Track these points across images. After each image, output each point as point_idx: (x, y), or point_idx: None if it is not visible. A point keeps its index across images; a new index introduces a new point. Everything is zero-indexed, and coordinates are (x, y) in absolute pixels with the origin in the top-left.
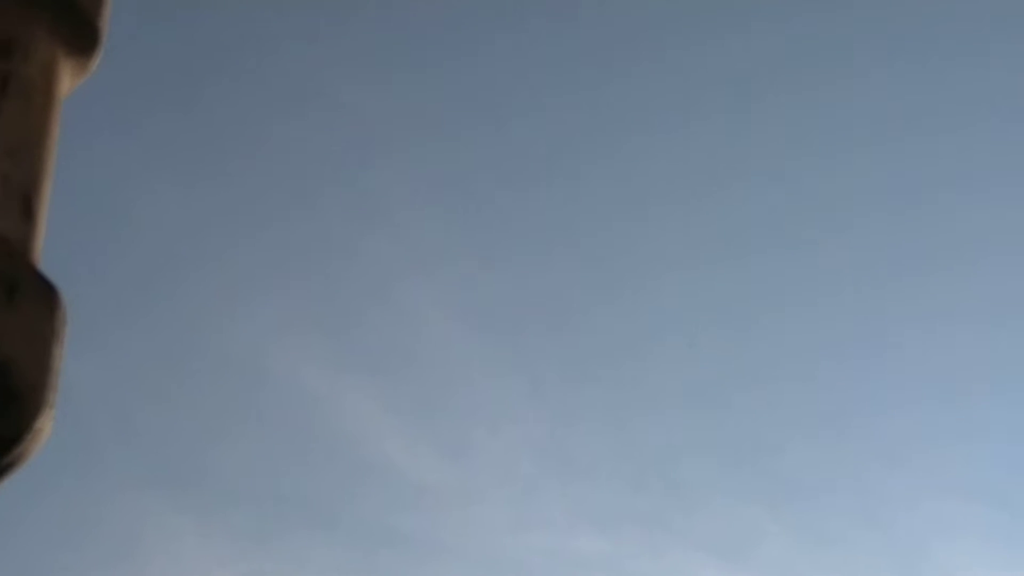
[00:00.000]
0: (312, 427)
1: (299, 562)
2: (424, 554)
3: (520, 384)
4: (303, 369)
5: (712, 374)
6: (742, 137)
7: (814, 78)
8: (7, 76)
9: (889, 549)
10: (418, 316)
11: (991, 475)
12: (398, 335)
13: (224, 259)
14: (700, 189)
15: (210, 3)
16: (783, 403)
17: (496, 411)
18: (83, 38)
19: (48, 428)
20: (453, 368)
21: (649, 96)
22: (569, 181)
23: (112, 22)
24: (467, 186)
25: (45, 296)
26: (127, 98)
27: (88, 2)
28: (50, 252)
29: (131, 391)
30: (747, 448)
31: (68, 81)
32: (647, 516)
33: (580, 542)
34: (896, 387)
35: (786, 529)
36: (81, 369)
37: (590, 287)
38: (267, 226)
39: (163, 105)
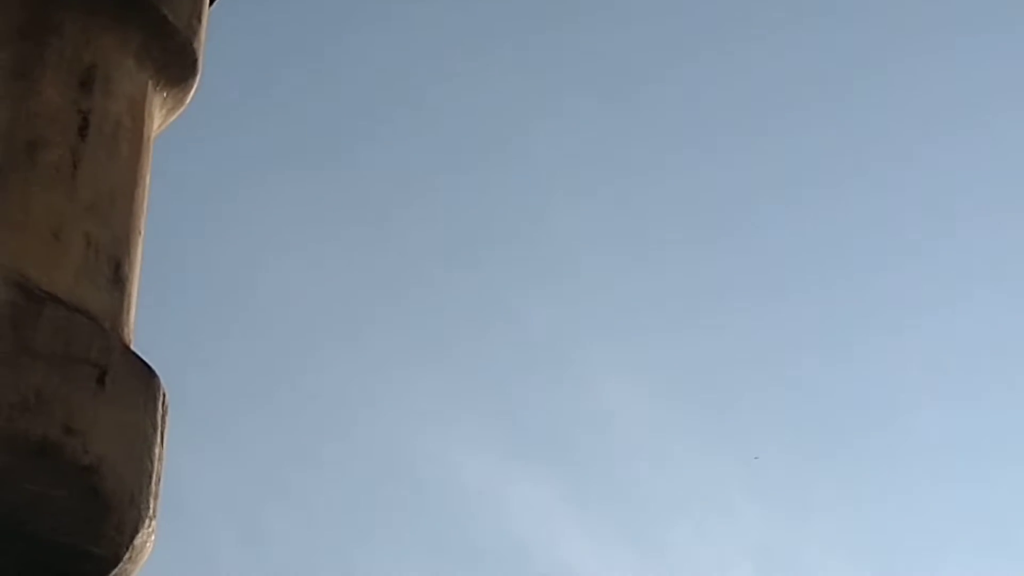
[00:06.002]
0: (472, 527)
1: None
2: None
3: (732, 466)
4: (459, 458)
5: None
6: None
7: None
8: (87, 115)
9: None
10: (600, 388)
11: None
12: (575, 412)
13: (361, 332)
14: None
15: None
16: None
17: (703, 501)
18: (178, 65)
19: (151, 544)
20: (646, 449)
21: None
22: (781, 222)
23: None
24: (656, 233)
25: (142, 382)
26: (247, 147)
27: (182, 20)
28: (146, 327)
29: (256, 491)
30: None
31: (159, 118)
32: None
33: None
34: None
35: None
36: (197, 468)
37: (810, 344)
38: (412, 291)
39: (294, 157)
